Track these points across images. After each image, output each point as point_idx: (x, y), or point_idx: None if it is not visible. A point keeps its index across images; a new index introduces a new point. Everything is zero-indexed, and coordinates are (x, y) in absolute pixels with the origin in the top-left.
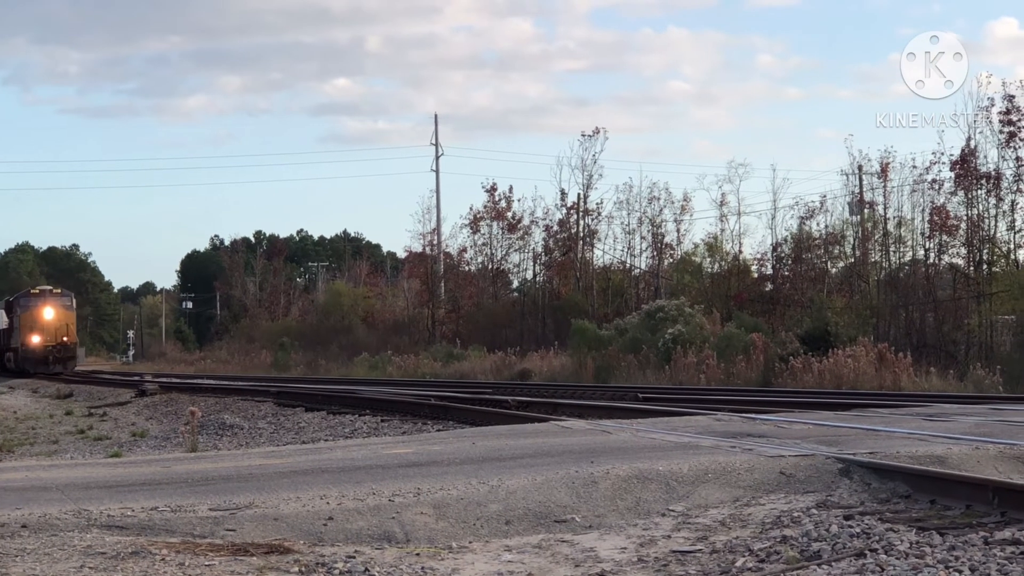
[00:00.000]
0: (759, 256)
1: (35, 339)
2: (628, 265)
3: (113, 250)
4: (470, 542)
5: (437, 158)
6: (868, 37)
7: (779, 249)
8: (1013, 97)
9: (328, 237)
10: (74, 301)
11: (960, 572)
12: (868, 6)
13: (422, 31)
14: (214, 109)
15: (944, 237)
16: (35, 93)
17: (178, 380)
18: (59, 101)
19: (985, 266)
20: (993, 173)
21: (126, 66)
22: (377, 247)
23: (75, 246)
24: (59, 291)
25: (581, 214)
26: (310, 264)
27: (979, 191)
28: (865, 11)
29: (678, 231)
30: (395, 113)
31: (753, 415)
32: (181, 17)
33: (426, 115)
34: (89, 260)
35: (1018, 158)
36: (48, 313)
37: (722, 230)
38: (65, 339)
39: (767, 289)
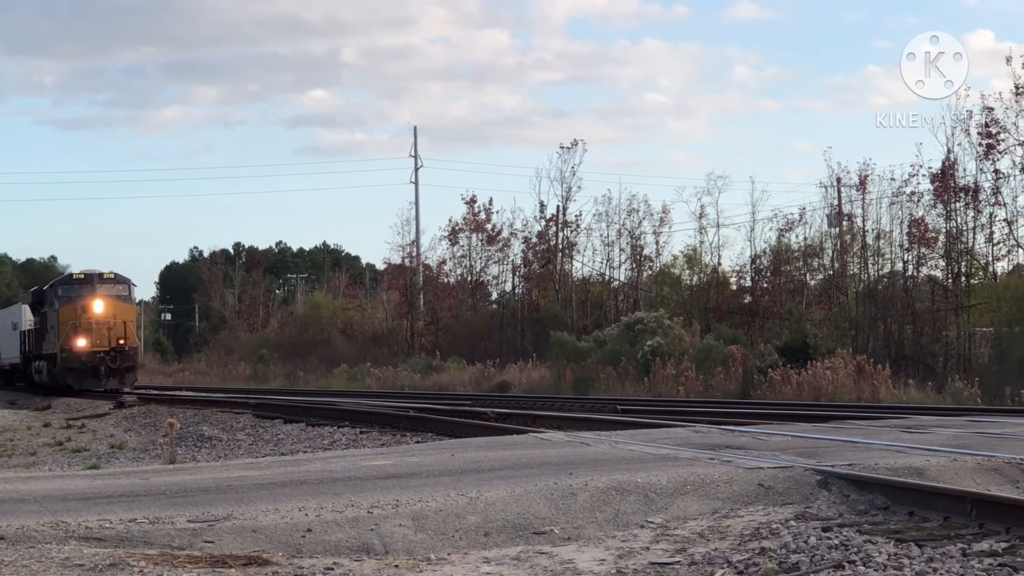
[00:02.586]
0: (738, 268)
1: (80, 342)
2: (607, 277)
3: (92, 262)
4: (449, 554)
5: (416, 170)
6: (844, 50)
7: (758, 261)
8: (992, 110)
9: (307, 249)
10: (133, 290)
11: None
12: (844, 18)
13: (398, 42)
14: (190, 120)
15: (923, 249)
16: (10, 104)
17: (156, 392)
18: (35, 112)
19: (963, 278)
20: (972, 186)
21: (101, 77)
22: (356, 259)
23: (53, 258)
24: (112, 275)
25: (560, 226)
26: (289, 276)
27: (958, 204)
28: (841, 23)
29: (657, 243)
30: (372, 125)
31: (732, 427)
32: (155, 28)
33: (403, 127)
34: (68, 272)
35: (997, 171)
36: (98, 306)
37: (701, 242)
38: (122, 342)
39: (746, 301)
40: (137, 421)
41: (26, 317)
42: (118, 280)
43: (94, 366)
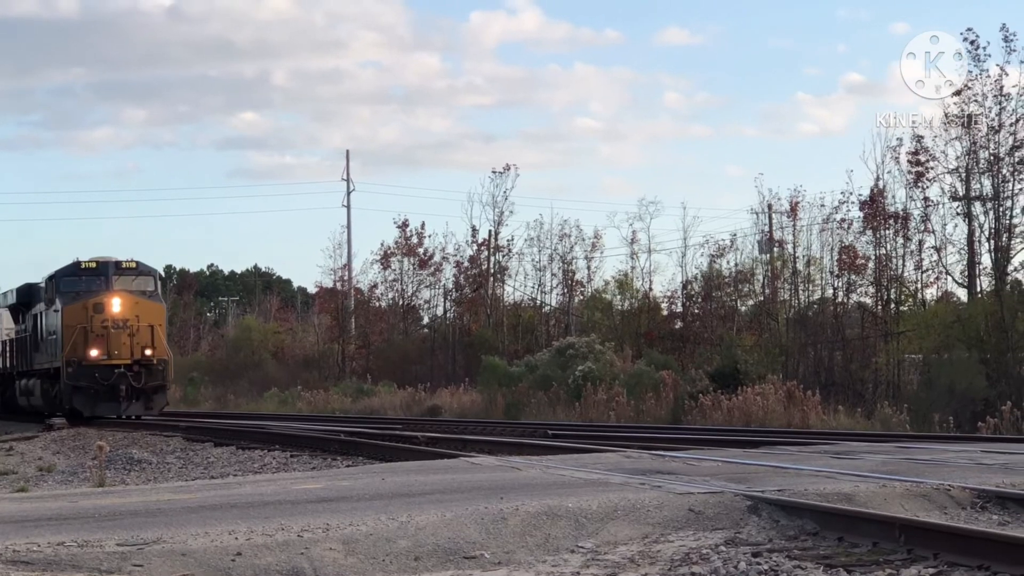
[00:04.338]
0: (669, 294)
1: (93, 352)
2: (539, 302)
3: (20, 283)
4: None
5: (348, 194)
6: (773, 76)
7: (689, 287)
8: (921, 138)
9: (238, 272)
10: (159, 285)
11: None
12: (773, 45)
13: (328, 65)
14: (120, 142)
15: (852, 276)
16: None
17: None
18: None
19: (893, 305)
20: (901, 213)
21: (30, 98)
22: (288, 282)
23: None
24: (133, 264)
25: (492, 251)
26: (220, 299)
27: (887, 231)
28: (770, 50)
29: (589, 268)
30: (302, 147)
31: (663, 452)
32: (85, 48)
33: (334, 150)
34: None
35: (926, 198)
36: (116, 305)
37: (632, 267)
38: (149, 352)
39: (677, 327)
40: (66, 444)
41: (4, 325)
42: (141, 271)
43: (112, 384)
